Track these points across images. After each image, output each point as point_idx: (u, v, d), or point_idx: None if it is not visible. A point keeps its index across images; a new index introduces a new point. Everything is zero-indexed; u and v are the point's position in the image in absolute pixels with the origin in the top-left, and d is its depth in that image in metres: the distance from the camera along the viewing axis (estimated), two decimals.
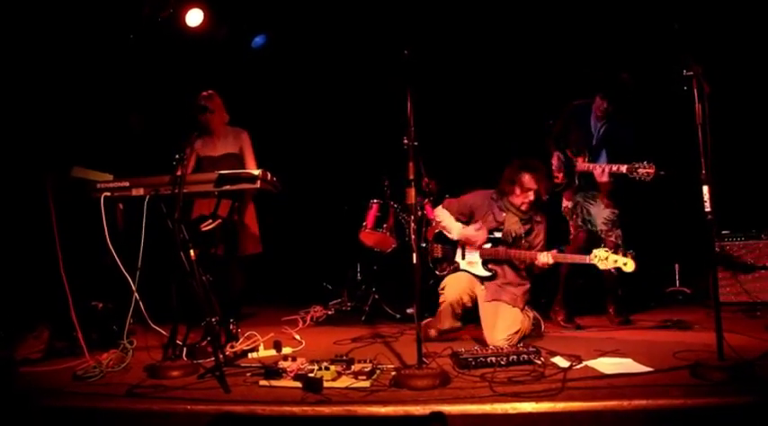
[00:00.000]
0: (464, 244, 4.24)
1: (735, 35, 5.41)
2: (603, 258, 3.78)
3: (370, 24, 6.10)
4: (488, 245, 4.15)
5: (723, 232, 5.34)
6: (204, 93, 4.62)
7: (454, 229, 4.24)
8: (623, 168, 4.29)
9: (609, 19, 5.77)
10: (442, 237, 4.36)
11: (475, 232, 4.16)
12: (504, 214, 4.16)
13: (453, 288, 4.09)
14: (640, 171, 4.17)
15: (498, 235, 4.14)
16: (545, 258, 3.93)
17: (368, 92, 6.35)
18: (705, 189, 2.94)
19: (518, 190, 4.07)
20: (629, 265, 3.73)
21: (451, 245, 4.32)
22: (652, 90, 5.14)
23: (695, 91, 2.93)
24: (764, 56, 5.43)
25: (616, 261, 3.74)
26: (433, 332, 4.19)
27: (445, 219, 4.31)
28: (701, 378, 2.79)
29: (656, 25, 5.00)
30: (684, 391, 2.61)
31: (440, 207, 4.43)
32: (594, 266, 3.82)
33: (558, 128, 4.85)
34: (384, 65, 4.52)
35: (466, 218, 4.30)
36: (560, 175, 4.72)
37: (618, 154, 4.48)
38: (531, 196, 4.06)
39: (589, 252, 3.86)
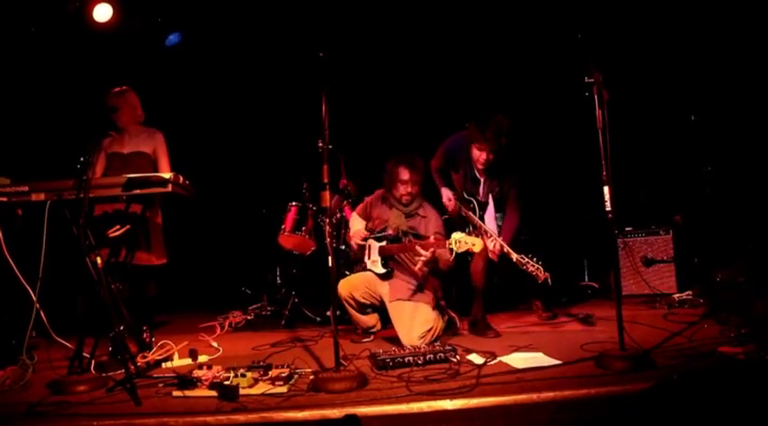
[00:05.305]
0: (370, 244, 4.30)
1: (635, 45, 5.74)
2: (457, 240, 3.72)
3: (286, 25, 6.04)
4: (384, 243, 4.19)
5: (626, 228, 5.66)
6: (116, 89, 4.41)
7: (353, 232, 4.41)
8: (513, 256, 3.95)
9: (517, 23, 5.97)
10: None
11: (353, 231, 4.36)
12: (390, 210, 4.26)
13: (343, 286, 4.14)
14: (529, 268, 3.86)
15: (390, 231, 4.19)
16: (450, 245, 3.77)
17: (287, 93, 6.29)
18: (606, 189, 3.11)
19: (397, 183, 4.17)
20: (477, 245, 3.70)
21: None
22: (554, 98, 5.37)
23: (596, 97, 3.10)
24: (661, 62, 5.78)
25: (466, 243, 3.69)
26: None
27: (353, 225, 4.44)
28: (604, 368, 2.96)
29: (560, 35, 5.18)
30: (589, 381, 2.76)
31: (353, 213, 4.54)
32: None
33: (439, 165, 4.62)
34: (301, 66, 4.49)
35: (367, 219, 4.42)
36: (451, 204, 4.50)
37: (504, 207, 4.40)
38: (408, 187, 4.15)
39: None
